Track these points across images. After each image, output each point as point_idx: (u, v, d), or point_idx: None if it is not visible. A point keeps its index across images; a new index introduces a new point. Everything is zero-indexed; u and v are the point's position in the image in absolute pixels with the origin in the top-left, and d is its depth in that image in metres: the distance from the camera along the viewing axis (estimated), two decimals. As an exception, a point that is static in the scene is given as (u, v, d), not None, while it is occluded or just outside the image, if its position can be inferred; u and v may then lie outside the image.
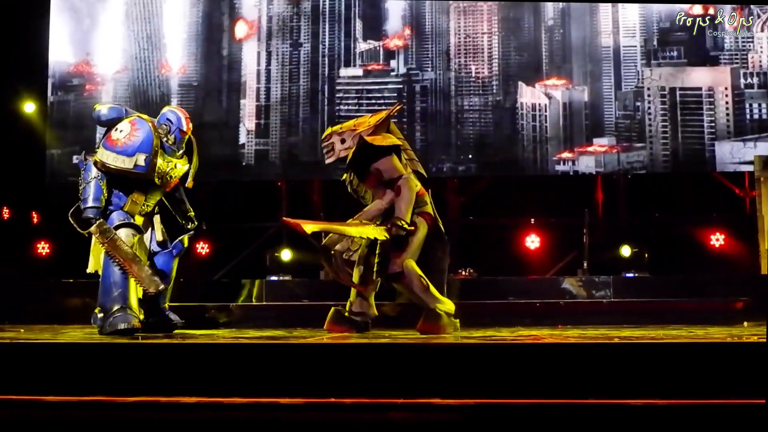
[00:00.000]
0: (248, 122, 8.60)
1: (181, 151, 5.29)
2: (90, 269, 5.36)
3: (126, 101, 8.72)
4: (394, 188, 5.03)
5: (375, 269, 4.99)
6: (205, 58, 8.74)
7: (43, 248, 8.33)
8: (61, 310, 6.54)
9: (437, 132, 8.38)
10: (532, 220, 8.19)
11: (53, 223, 5.66)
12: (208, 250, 8.86)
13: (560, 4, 8.32)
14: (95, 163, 5.15)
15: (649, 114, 8.19)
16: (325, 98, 8.53)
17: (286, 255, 8.32)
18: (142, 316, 5.16)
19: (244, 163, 8.55)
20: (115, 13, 8.85)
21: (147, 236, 5.37)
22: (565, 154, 8.25)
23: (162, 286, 5.13)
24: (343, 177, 5.33)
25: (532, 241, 8.13)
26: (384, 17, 8.58)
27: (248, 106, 8.64)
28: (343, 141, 5.20)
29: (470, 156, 8.35)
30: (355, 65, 8.55)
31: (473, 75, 8.41)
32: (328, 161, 5.28)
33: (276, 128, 8.49)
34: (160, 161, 5.19)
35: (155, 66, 8.76)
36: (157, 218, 5.41)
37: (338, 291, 6.44)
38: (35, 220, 8.85)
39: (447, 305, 5.04)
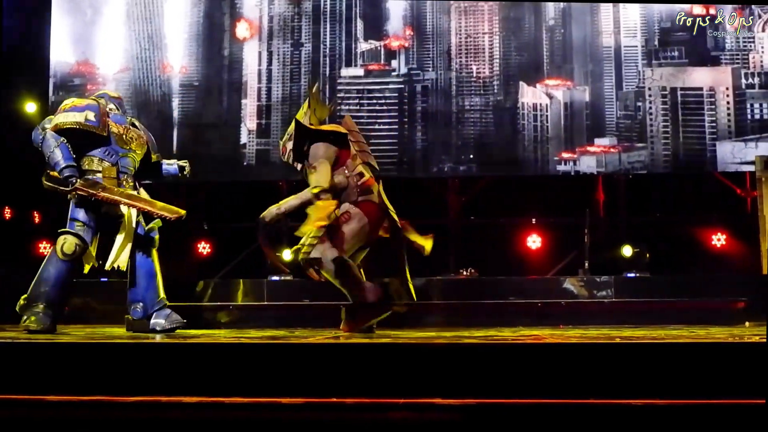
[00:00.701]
0: (249, 122, 8.60)
1: (129, 120, 5.69)
2: (109, 266, 5.41)
3: (127, 102, 8.71)
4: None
5: (300, 251, 5.03)
6: (206, 58, 8.74)
7: (44, 248, 8.33)
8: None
9: (438, 132, 8.37)
10: (533, 220, 8.19)
11: (55, 223, 5.71)
12: (209, 250, 8.86)
13: (561, 3, 8.31)
14: (50, 129, 5.38)
15: (650, 114, 8.19)
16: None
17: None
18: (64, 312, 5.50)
19: (245, 163, 8.55)
20: (117, 13, 8.85)
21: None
22: (566, 154, 8.24)
23: (183, 212, 5.38)
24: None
25: (533, 241, 8.13)
26: (385, 17, 8.58)
27: (249, 106, 8.64)
28: (290, 138, 5.37)
29: (471, 156, 8.35)
30: (356, 65, 8.55)
31: (474, 75, 8.41)
32: (289, 160, 5.48)
33: (277, 128, 8.49)
34: (111, 123, 5.47)
35: (156, 66, 8.76)
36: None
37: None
38: (37, 219, 8.86)
39: (369, 293, 5.01)
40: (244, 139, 8.57)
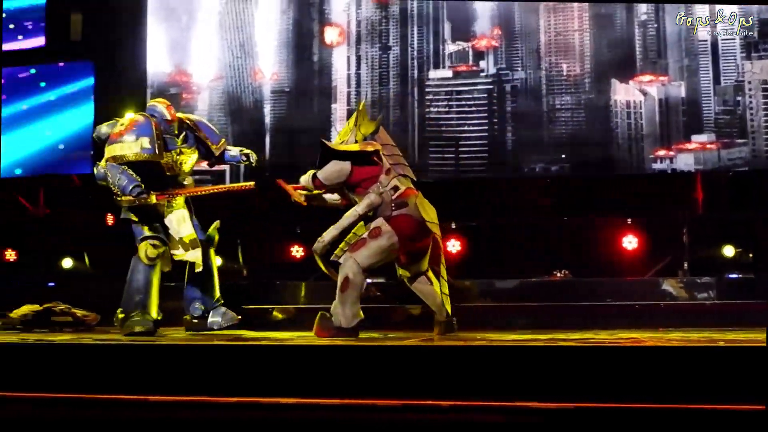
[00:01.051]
0: (339, 126, 8.67)
1: (180, 139, 5.75)
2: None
3: (220, 109, 8.93)
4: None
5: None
6: (296, 64, 8.87)
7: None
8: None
9: (529, 132, 8.27)
10: (629, 220, 7.98)
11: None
12: (302, 253, 8.98)
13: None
14: (109, 160, 5.55)
15: (751, 109, 7.90)
16: (414, 101, 8.53)
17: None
18: (160, 317, 5.64)
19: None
20: (209, 24, 9.07)
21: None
22: (662, 152, 8.03)
23: (252, 184, 5.85)
24: None
25: (629, 242, 7.92)
26: (472, 18, 8.52)
27: (339, 110, 8.72)
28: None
29: (563, 156, 8.21)
30: (444, 67, 8.53)
31: (564, 73, 8.27)
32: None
33: (367, 132, 8.53)
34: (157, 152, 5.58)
35: (248, 73, 8.94)
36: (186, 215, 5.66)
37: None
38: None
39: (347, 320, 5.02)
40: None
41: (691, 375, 3.58)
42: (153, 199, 5.50)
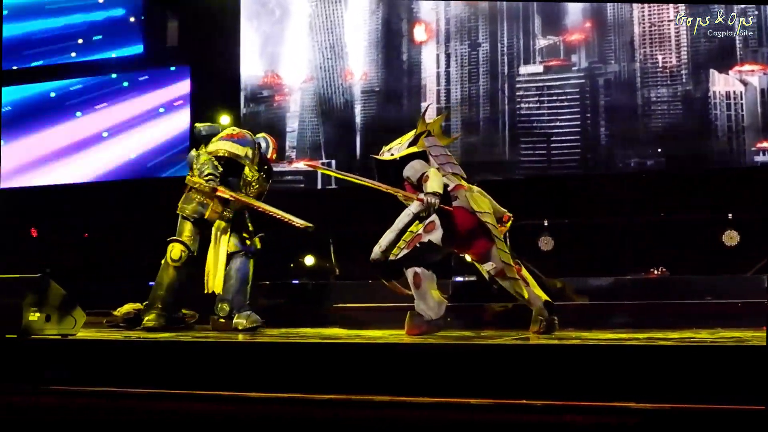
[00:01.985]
0: (429, 124, 8.67)
1: (262, 173, 6.19)
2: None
3: (312, 110, 9.06)
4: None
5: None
6: (385, 64, 8.92)
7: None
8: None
9: (623, 126, 8.09)
10: (729, 215, 7.71)
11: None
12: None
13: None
14: (211, 152, 6.03)
15: None
16: (505, 97, 8.46)
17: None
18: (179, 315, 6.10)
19: (425, 166, 8.63)
20: (300, 26, 9.22)
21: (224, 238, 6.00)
22: (765, 144, 7.73)
23: (311, 225, 5.90)
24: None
25: (730, 238, 7.66)
26: (563, 11, 8.39)
27: (429, 108, 8.71)
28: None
29: (659, 150, 8.00)
30: (534, 62, 8.42)
31: (660, 65, 8.05)
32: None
33: (457, 129, 8.52)
34: (248, 169, 6.06)
35: (339, 74, 9.04)
36: (245, 216, 5.94)
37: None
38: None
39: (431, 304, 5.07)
40: (426, 141, 8.65)
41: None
42: (219, 189, 5.88)
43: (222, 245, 5.95)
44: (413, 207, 5.23)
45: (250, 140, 6.15)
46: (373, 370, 4.02)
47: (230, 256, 6.02)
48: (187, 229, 6.04)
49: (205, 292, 5.98)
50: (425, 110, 5.99)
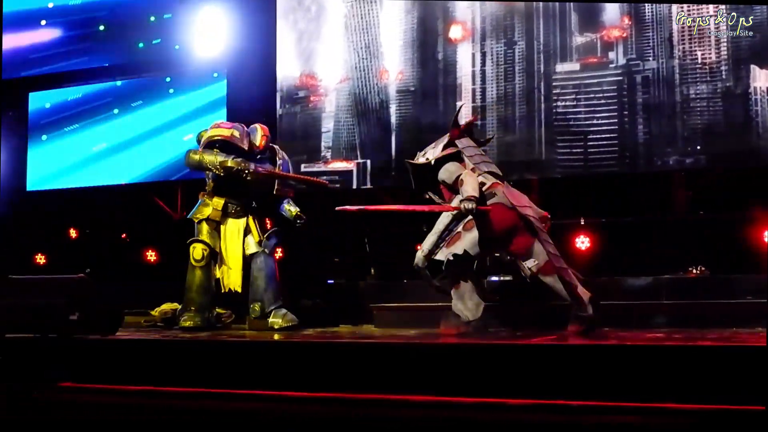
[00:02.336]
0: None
1: (259, 157, 6.31)
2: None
3: (347, 110, 9.08)
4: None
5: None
6: (420, 63, 8.90)
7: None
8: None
9: (661, 124, 7.98)
10: (772, 213, 7.57)
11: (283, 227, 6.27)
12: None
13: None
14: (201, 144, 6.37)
15: None
16: (541, 95, 8.39)
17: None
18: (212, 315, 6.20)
19: (462, 165, 8.60)
20: (335, 26, 9.24)
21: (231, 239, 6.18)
22: (808, 140, 7.57)
23: (325, 183, 6.62)
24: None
25: (773, 236, 7.52)
26: (600, 8, 8.29)
27: (464, 107, 8.68)
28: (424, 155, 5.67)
29: (698, 147, 7.87)
30: (571, 60, 8.34)
31: (699, 61, 7.93)
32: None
33: (493, 128, 8.47)
34: (230, 160, 6.14)
35: (374, 74, 9.04)
36: (251, 219, 5.95)
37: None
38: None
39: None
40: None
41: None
42: (237, 161, 6.09)
43: (236, 244, 6.00)
44: (437, 227, 5.27)
45: (235, 125, 6.34)
46: (408, 370, 4.02)
47: (250, 258, 6.06)
48: (204, 230, 6.12)
49: (222, 291, 6.04)
50: (458, 111, 5.98)
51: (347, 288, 8.02)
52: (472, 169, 5.37)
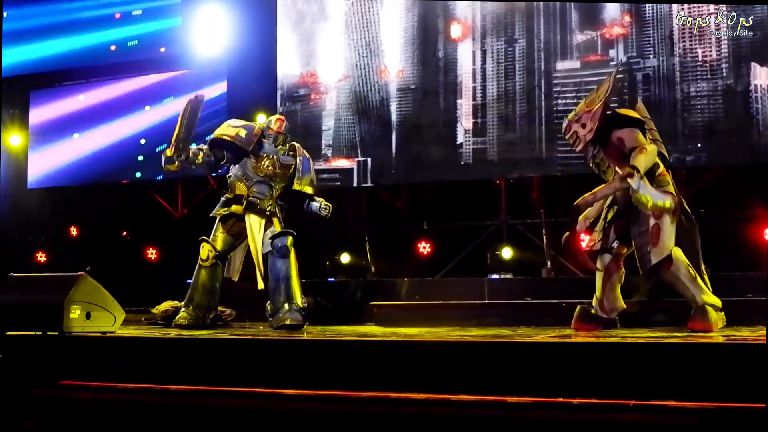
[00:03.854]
0: (465, 122, 8.65)
1: (279, 147, 6.23)
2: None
3: (348, 108, 9.08)
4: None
5: (640, 260, 4.91)
6: (421, 61, 8.89)
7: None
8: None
9: (662, 121, 7.94)
10: (773, 210, 7.57)
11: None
12: (429, 250, 9.02)
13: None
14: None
15: None
16: (541, 93, 8.39)
17: (506, 253, 8.30)
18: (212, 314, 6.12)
19: (462, 163, 8.61)
20: (336, 24, 9.23)
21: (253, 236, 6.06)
22: (808, 138, 7.56)
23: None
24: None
25: (773, 233, 7.53)
26: (601, 6, 8.29)
27: (465, 105, 8.68)
28: (583, 125, 5.17)
29: (699, 145, 7.87)
30: (572, 57, 8.34)
31: (700, 59, 7.92)
32: (578, 149, 5.27)
33: (493, 126, 8.47)
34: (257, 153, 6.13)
35: (374, 72, 9.04)
36: (276, 221, 5.93)
37: (562, 288, 6.32)
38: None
39: (712, 298, 4.83)
40: (460, 138, 8.63)
41: (691, 372, 3.51)
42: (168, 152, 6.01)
43: (255, 241, 6.00)
44: (615, 183, 4.94)
45: (246, 124, 6.27)
46: (409, 368, 4.02)
47: (265, 257, 6.06)
48: (218, 231, 6.12)
49: (259, 288, 6.03)
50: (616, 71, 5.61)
51: (348, 286, 8.02)
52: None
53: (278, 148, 6.25)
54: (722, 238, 7.69)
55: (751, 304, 6.04)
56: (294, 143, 6.39)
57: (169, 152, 6.00)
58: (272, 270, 6.02)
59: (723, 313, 4.88)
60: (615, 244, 5.12)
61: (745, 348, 3.81)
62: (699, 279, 4.90)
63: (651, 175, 5.00)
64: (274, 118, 6.39)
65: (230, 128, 6.20)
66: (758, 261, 7.40)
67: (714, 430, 3.25)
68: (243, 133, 6.14)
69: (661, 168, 5.09)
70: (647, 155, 4.89)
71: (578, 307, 5.23)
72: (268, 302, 6.04)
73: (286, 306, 5.90)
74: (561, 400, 3.55)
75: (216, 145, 6.22)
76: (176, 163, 6.02)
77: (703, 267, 5.07)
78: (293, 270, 6.04)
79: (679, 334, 4.65)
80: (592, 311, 5.23)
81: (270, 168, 6.17)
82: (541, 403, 3.57)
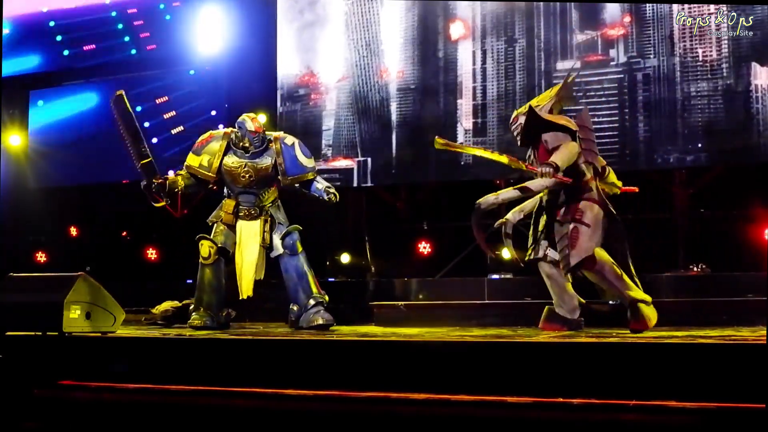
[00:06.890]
0: (465, 122, 8.65)
1: (258, 149, 5.98)
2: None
3: (348, 108, 9.07)
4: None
5: (562, 262, 4.99)
6: (421, 61, 8.89)
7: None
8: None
9: (662, 121, 7.97)
10: (773, 210, 7.57)
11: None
12: (429, 250, 9.02)
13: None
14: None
15: None
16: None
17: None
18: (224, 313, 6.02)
19: (462, 163, 8.60)
20: (336, 24, 9.23)
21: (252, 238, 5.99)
22: (809, 138, 7.56)
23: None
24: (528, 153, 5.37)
25: (775, 233, 7.52)
26: (601, 6, 8.28)
27: (465, 105, 8.68)
28: (523, 116, 5.29)
29: (699, 145, 7.87)
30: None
31: (700, 59, 7.92)
32: (519, 144, 5.41)
33: (493, 126, 8.47)
34: (226, 165, 5.97)
35: (374, 72, 9.04)
36: (278, 221, 5.87)
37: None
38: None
39: (640, 293, 4.90)
40: (460, 138, 8.62)
41: (692, 372, 3.51)
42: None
43: (250, 249, 5.89)
44: (535, 185, 5.04)
45: (211, 141, 6.09)
46: (410, 368, 4.01)
47: (277, 260, 5.98)
48: (218, 230, 6.02)
49: (240, 298, 5.92)
50: (571, 78, 5.61)
51: (348, 287, 8.02)
52: (579, 154, 5.12)
53: (251, 152, 5.99)
54: (722, 238, 7.71)
55: (751, 304, 6.05)
56: (268, 137, 6.10)
57: (145, 181, 5.88)
58: (287, 270, 5.91)
59: (653, 307, 4.95)
60: (548, 252, 5.17)
61: (745, 348, 3.81)
62: (626, 276, 4.96)
63: (578, 179, 5.07)
64: (247, 120, 6.03)
65: (194, 158, 6.06)
66: (758, 261, 7.39)
67: (714, 430, 3.25)
68: (205, 160, 6.00)
69: (588, 176, 5.16)
70: (565, 152, 4.98)
71: (546, 307, 5.31)
72: (292, 304, 5.93)
73: (312, 302, 5.84)
74: (561, 400, 3.54)
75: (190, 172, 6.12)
76: (161, 201, 5.93)
77: (631, 266, 5.13)
78: (308, 266, 5.98)
79: (679, 334, 4.65)
80: (558, 311, 5.30)
81: (246, 177, 5.97)
82: (541, 403, 3.57)
